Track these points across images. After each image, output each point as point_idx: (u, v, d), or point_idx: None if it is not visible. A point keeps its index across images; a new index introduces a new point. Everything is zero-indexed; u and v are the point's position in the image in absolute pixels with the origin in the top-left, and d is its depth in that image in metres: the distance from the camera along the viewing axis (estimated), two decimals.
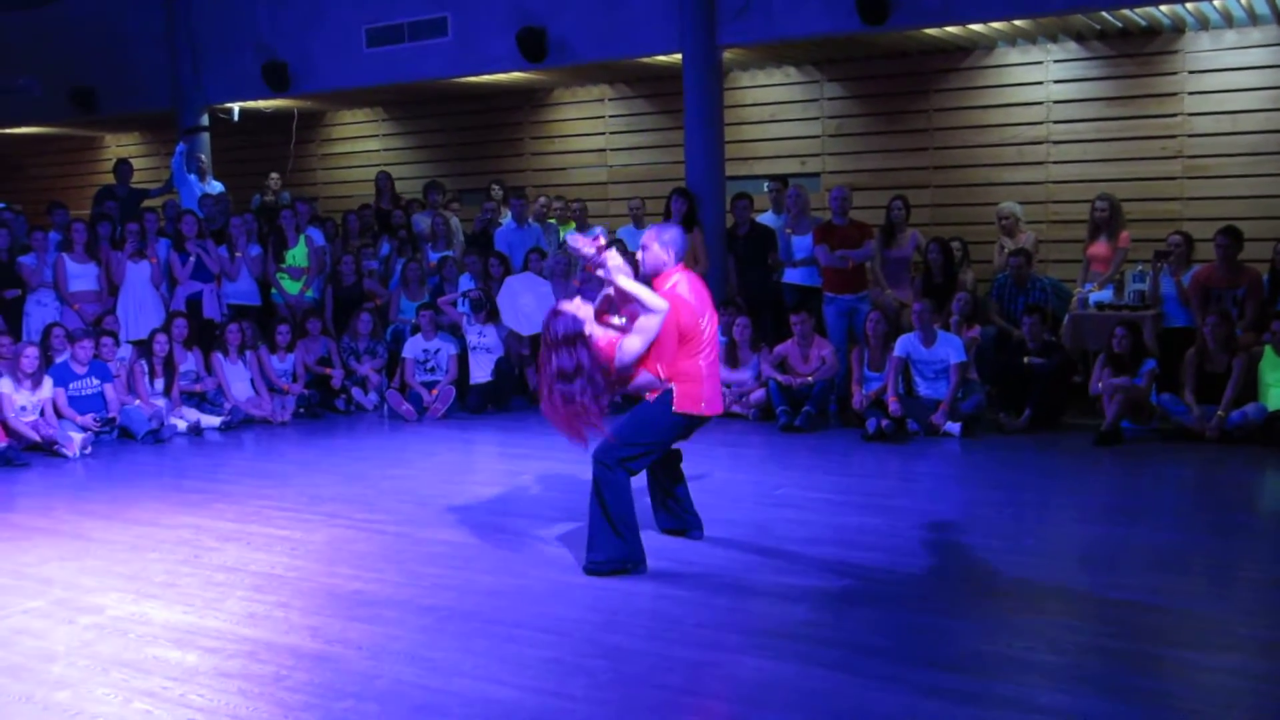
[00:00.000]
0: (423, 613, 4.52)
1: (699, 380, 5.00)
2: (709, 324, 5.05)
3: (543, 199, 11.61)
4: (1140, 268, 9.25)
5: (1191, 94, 10.23)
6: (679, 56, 10.62)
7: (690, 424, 5.06)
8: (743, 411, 9.25)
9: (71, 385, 8.80)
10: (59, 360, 8.89)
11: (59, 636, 4.39)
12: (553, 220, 11.57)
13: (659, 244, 5.07)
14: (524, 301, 10.05)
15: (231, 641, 4.27)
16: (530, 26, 10.93)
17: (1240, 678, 3.83)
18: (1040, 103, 10.82)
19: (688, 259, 9.65)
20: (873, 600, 4.58)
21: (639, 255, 5.14)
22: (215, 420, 9.29)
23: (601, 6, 10.76)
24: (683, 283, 5.04)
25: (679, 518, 5.51)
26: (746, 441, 8.46)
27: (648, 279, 5.09)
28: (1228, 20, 9.88)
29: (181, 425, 9.09)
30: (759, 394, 9.18)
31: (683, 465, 5.53)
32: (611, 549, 4.95)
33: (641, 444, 5.02)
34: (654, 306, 4.85)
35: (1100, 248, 9.43)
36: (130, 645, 4.26)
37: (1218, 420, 7.92)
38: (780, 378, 8.97)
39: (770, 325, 10.01)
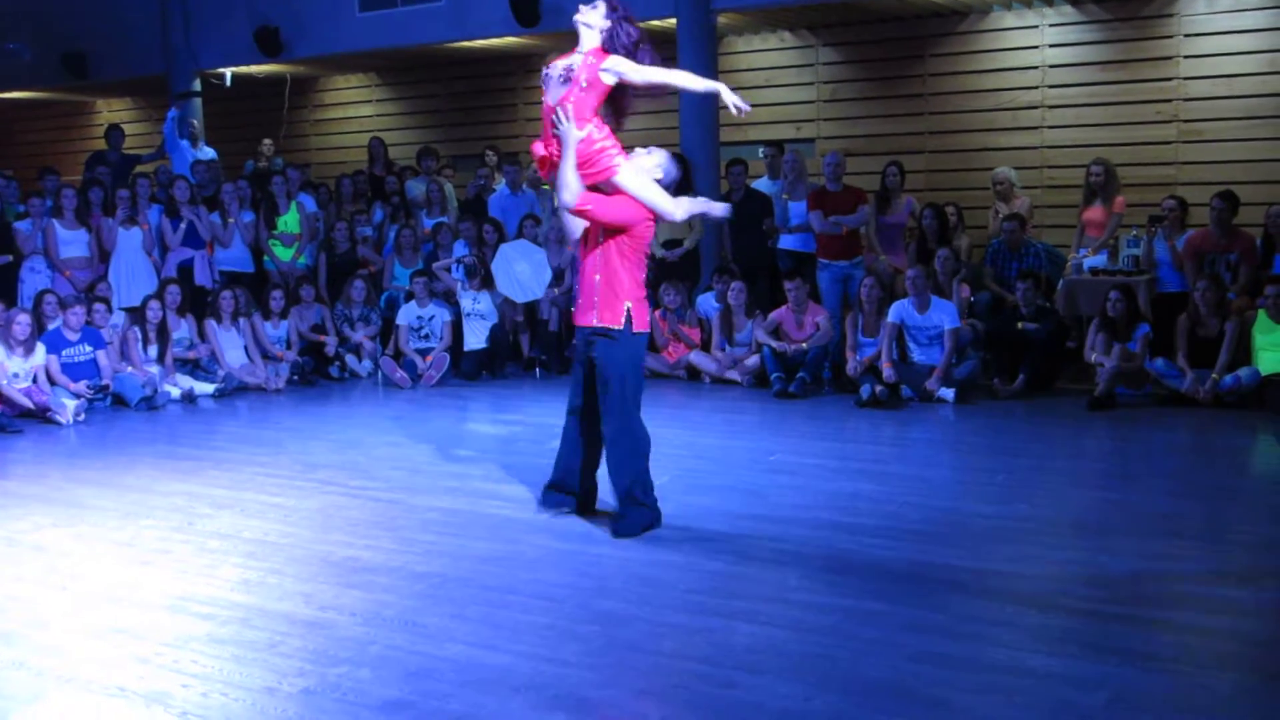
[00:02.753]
0: (416, 579, 4.51)
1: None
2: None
3: (535, 164, 11.52)
4: (1135, 232, 9.22)
5: (1187, 58, 10.16)
6: (673, 21, 10.52)
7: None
8: (737, 378, 9.23)
9: (64, 352, 8.75)
10: (51, 327, 8.84)
11: (51, 603, 4.38)
12: (547, 187, 11.48)
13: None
14: (519, 268, 10.00)
15: (225, 608, 4.25)
16: None
17: (1232, 640, 3.83)
18: (1035, 67, 10.74)
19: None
20: (865, 566, 4.57)
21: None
22: (209, 387, 9.25)
23: None
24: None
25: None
26: (741, 408, 8.45)
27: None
28: None
29: (175, 392, 9.06)
30: (754, 360, 9.16)
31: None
32: (640, 514, 5.05)
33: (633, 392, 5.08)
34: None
35: (1095, 212, 9.39)
36: (123, 612, 4.25)
37: (1211, 384, 7.91)
38: (775, 344, 8.95)
39: (765, 291, 9.98)
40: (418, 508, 5.59)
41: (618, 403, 4.96)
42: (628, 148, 5.16)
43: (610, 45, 5.01)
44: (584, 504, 5.33)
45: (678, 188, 10.12)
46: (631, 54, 4.99)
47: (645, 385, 5.22)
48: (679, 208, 5.12)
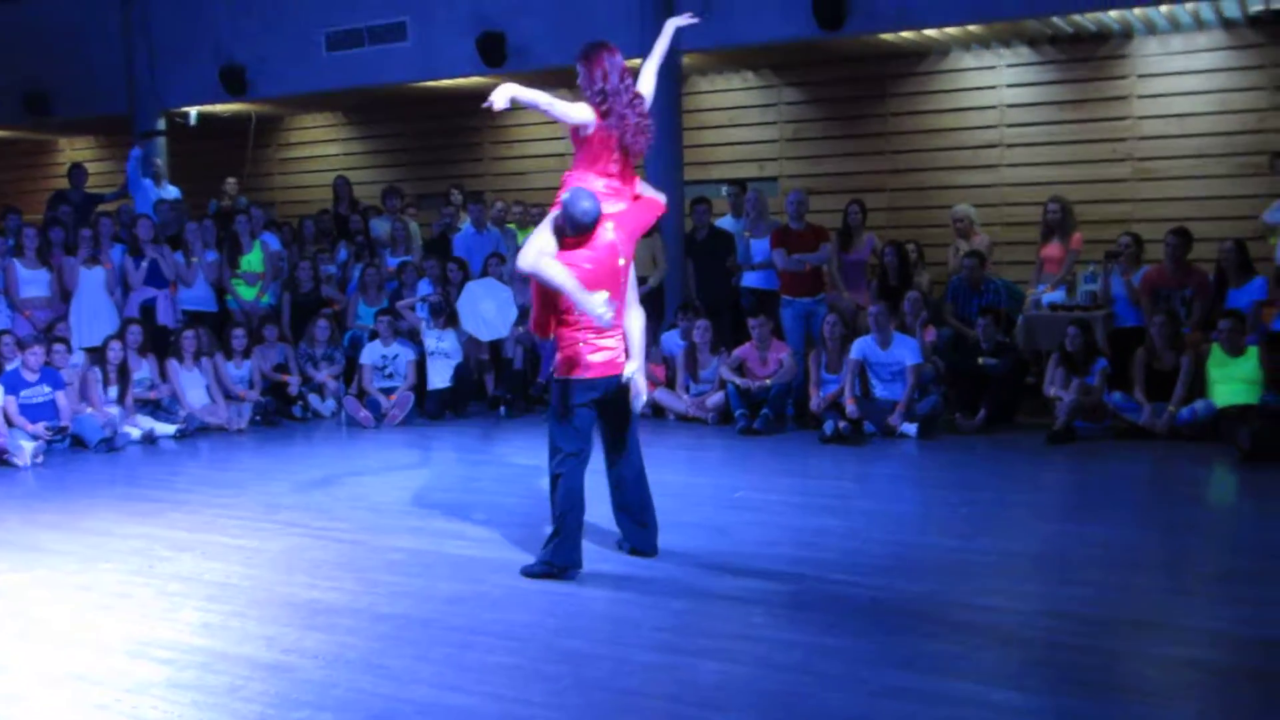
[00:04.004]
0: (380, 620, 4.48)
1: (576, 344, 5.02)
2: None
3: (501, 204, 11.57)
4: (1092, 269, 9.35)
5: (1141, 97, 10.37)
6: (639, 61, 10.60)
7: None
8: (701, 415, 9.25)
9: (23, 393, 8.65)
10: (10, 368, 8.74)
11: (10, 648, 4.31)
12: (512, 225, 11.53)
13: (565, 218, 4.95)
14: (484, 307, 10.00)
15: (185, 652, 4.20)
16: (489, 31, 10.89)
17: (1194, 669, 3.87)
18: (994, 106, 10.92)
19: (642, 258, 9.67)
20: (830, 602, 4.58)
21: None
22: (170, 428, 9.17)
23: (561, 11, 10.74)
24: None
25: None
26: (705, 445, 8.46)
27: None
28: (1175, 26, 10.02)
29: (135, 433, 8.97)
30: (717, 397, 9.19)
31: (643, 485, 5.33)
32: (553, 547, 5.02)
33: (558, 439, 5.07)
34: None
35: (1053, 249, 9.52)
36: (82, 657, 4.19)
37: (1168, 417, 8.02)
38: (738, 381, 8.99)
39: (729, 328, 10.02)
40: (381, 548, 5.56)
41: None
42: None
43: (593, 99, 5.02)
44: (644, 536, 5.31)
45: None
46: (605, 99, 4.99)
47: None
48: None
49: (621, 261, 5.03)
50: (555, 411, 5.09)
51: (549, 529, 5.07)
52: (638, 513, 5.26)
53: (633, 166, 5.15)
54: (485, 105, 4.86)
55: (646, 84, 5.28)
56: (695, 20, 5.77)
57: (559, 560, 4.99)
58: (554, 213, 5.03)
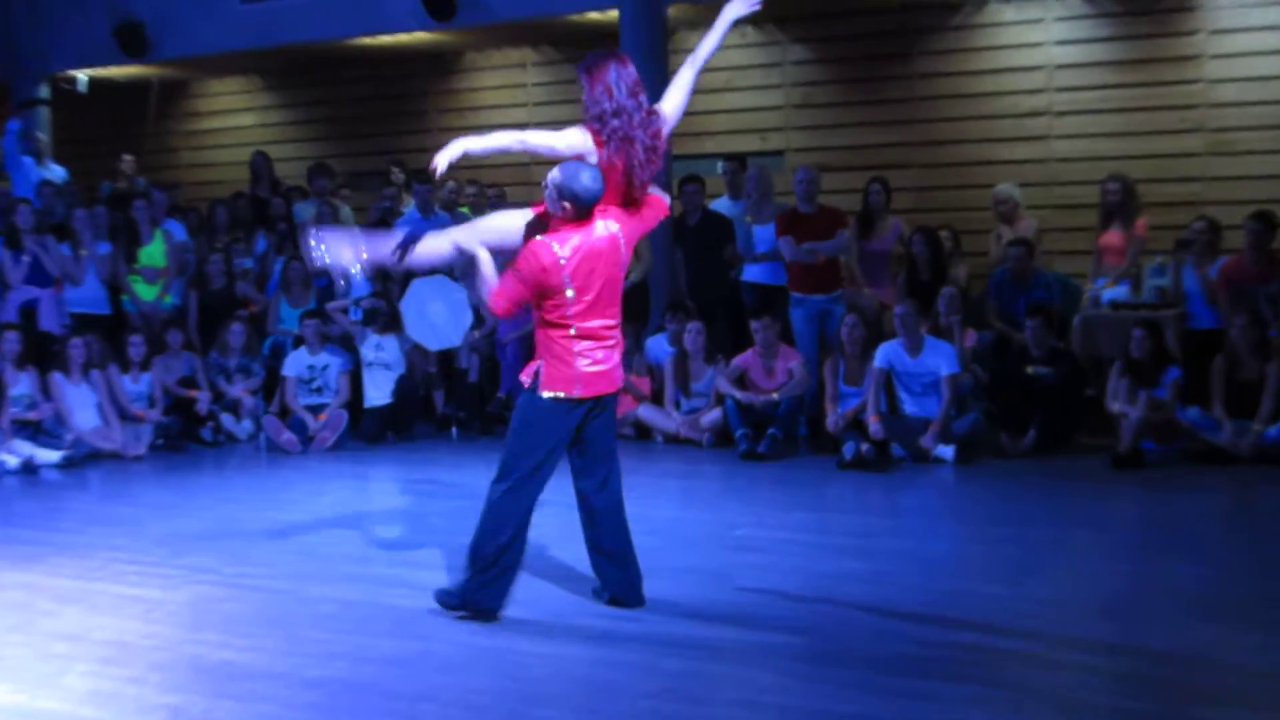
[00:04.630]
0: (307, 687, 4.42)
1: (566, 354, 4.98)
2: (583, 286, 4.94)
3: (452, 183, 11.53)
4: (1159, 260, 9.36)
5: (1214, 57, 10.40)
6: (615, 14, 10.61)
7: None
8: (694, 436, 9.22)
9: None
10: None
11: None
12: (465, 209, 11.48)
13: (554, 190, 4.90)
14: (433, 309, 9.96)
15: None
16: None
17: None
18: (1040, 68, 10.94)
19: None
20: (850, 661, 4.55)
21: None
22: (54, 455, 9.10)
23: None
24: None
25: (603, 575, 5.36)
26: (700, 473, 8.42)
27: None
28: None
29: (12, 461, 8.89)
30: (714, 415, 9.16)
31: (623, 514, 5.32)
32: (466, 586, 5.08)
33: (512, 458, 5.05)
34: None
35: (1113, 237, 9.54)
36: None
37: (1253, 437, 8.02)
38: (739, 395, 8.96)
39: (727, 332, 10.01)
40: (309, 599, 5.51)
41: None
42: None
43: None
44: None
45: None
46: (606, 122, 4.94)
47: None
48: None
49: (623, 252, 5.01)
50: (519, 427, 5.06)
51: (477, 560, 5.04)
52: (619, 554, 5.22)
53: (637, 201, 5.11)
54: (430, 168, 4.89)
55: (675, 98, 5.17)
56: (757, 7, 5.40)
57: (487, 601, 5.03)
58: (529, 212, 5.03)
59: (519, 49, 12.73)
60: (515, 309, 5.03)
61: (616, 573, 5.24)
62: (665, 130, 5.08)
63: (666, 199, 5.31)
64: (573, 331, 4.96)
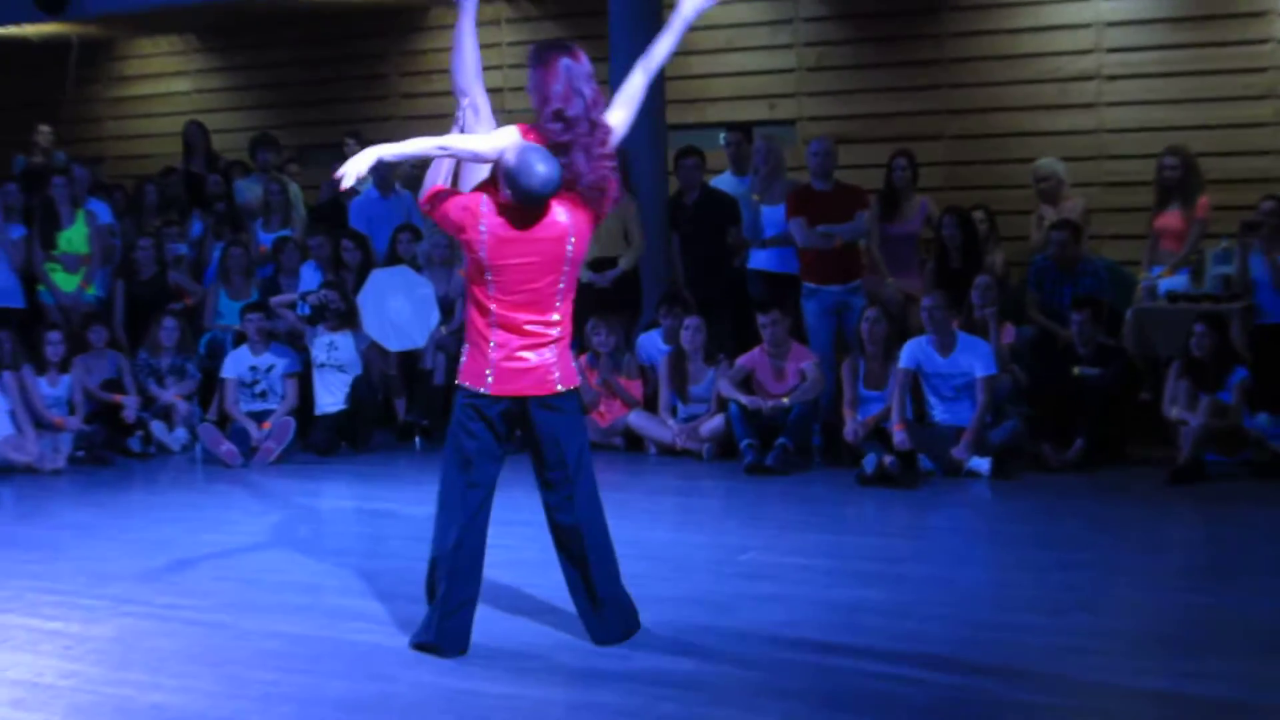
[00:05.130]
0: None
1: (482, 344, 5.00)
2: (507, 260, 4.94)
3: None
4: (1224, 245, 9.37)
5: None
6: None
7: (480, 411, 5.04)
8: (693, 447, 9.22)
9: None
10: None
11: None
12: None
13: (506, 184, 4.90)
14: (393, 304, 9.95)
15: None
16: None
17: None
18: (1088, 25, 10.95)
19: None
20: (873, 703, 4.54)
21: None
22: None
23: None
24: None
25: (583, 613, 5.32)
26: (700, 489, 8.42)
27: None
28: None
29: None
30: (715, 423, 9.16)
31: (607, 522, 5.33)
32: (421, 627, 5.14)
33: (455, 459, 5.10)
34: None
35: (1171, 218, 9.55)
36: None
37: None
38: (744, 400, 8.96)
39: (730, 328, 10.01)
40: (251, 634, 5.49)
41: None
42: None
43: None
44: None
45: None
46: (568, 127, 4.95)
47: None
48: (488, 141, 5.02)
49: (570, 249, 4.98)
50: (453, 433, 5.13)
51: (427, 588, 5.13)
52: (582, 582, 5.19)
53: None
54: (335, 178, 4.88)
55: (622, 112, 5.14)
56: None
57: (444, 640, 5.06)
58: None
59: (492, 4, 12.69)
60: (441, 218, 5.04)
61: (586, 607, 5.23)
62: (614, 142, 5.09)
63: (614, 177, 5.25)
64: (493, 320, 4.97)
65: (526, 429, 5.13)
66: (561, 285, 5.01)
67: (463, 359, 5.09)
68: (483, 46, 12.85)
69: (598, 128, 4.98)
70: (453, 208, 4.98)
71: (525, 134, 4.97)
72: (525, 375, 5.01)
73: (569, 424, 5.13)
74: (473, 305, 5.05)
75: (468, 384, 5.03)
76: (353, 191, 11.43)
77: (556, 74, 4.94)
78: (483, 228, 4.89)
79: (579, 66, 4.96)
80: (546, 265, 4.96)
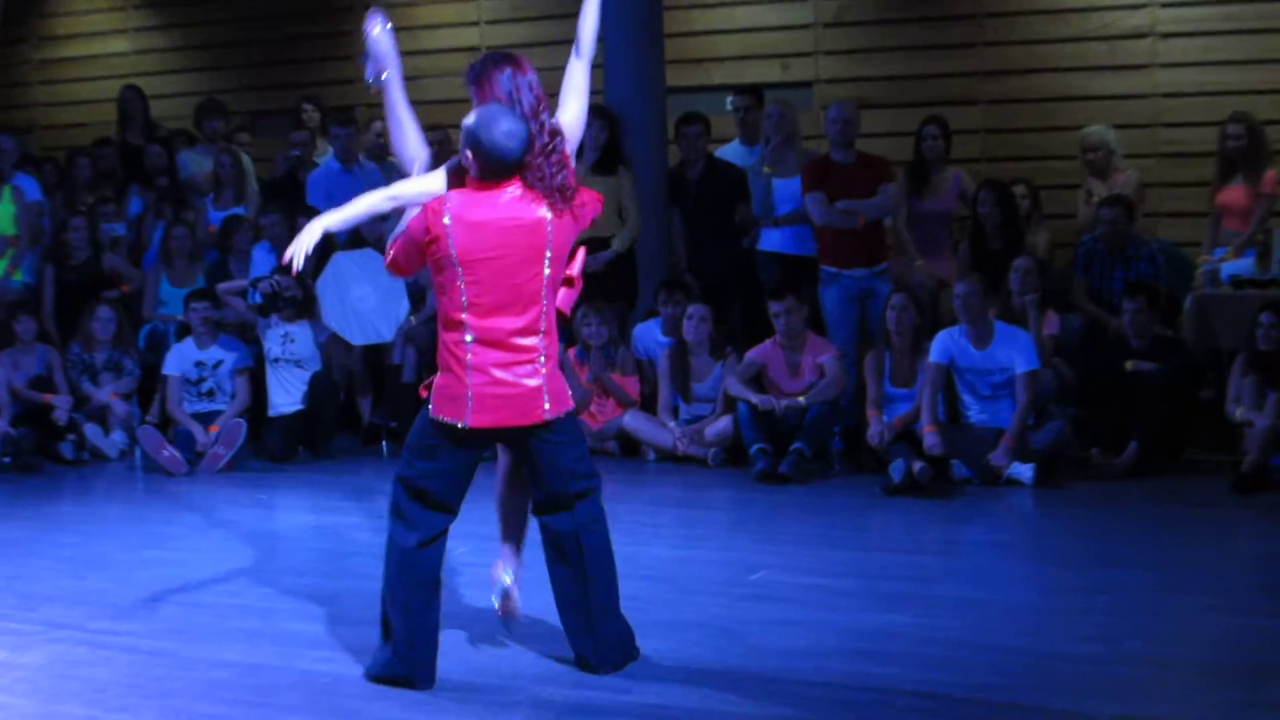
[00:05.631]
0: None
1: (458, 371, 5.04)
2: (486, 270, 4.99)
3: (377, 124, 11.51)
4: None
5: None
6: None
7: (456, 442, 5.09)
8: (697, 453, 9.22)
9: None
10: None
11: None
12: (392, 159, 11.46)
13: (463, 140, 5.00)
14: (357, 293, 9.93)
15: None
16: None
17: None
18: None
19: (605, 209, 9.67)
20: None
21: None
22: None
23: None
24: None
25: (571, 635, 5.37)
26: (705, 500, 8.42)
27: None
28: None
29: None
30: (722, 425, 9.17)
31: (599, 540, 5.31)
32: (381, 652, 5.16)
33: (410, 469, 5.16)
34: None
35: (1235, 193, 9.56)
36: None
37: None
38: (755, 399, 8.95)
39: (739, 317, 10.02)
40: (197, 662, 5.49)
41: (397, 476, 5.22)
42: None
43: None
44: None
45: (605, 153, 10.23)
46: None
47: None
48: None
49: (549, 254, 5.00)
50: (410, 445, 5.16)
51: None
52: (580, 599, 5.20)
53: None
54: (284, 262, 5.06)
55: (573, 106, 5.32)
56: None
57: (400, 669, 5.08)
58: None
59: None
60: (408, 270, 5.18)
61: (576, 622, 5.23)
62: (571, 150, 5.18)
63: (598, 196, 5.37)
64: (468, 336, 4.97)
65: (518, 453, 5.18)
66: (544, 283, 5.02)
67: (435, 383, 5.09)
68: (456, 1, 12.80)
69: (544, 128, 5.06)
70: (410, 226, 5.04)
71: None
72: (510, 403, 5.01)
73: (569, 452, 5.14)
74: (443, 327, 5.06)
75: (443, 417, 5.03)
76: (311, 164, 11.44)
77: (494, 87, 5.09)
78: (447, 220, 4.92)
79: (521, 76, 5.10)
80: (524, 257, 4.97)
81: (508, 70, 5.09)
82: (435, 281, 5.06)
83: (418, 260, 5.05)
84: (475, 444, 5.11)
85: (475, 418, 4.98)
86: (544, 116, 5.08)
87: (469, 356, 4.97)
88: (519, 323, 4.99)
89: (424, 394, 5.13)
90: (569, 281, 5.22)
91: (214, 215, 11.10)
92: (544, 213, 4.99)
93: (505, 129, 4.91)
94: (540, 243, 4.98)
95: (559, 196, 5.03)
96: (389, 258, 5.15)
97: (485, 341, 4.97)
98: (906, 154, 10.06)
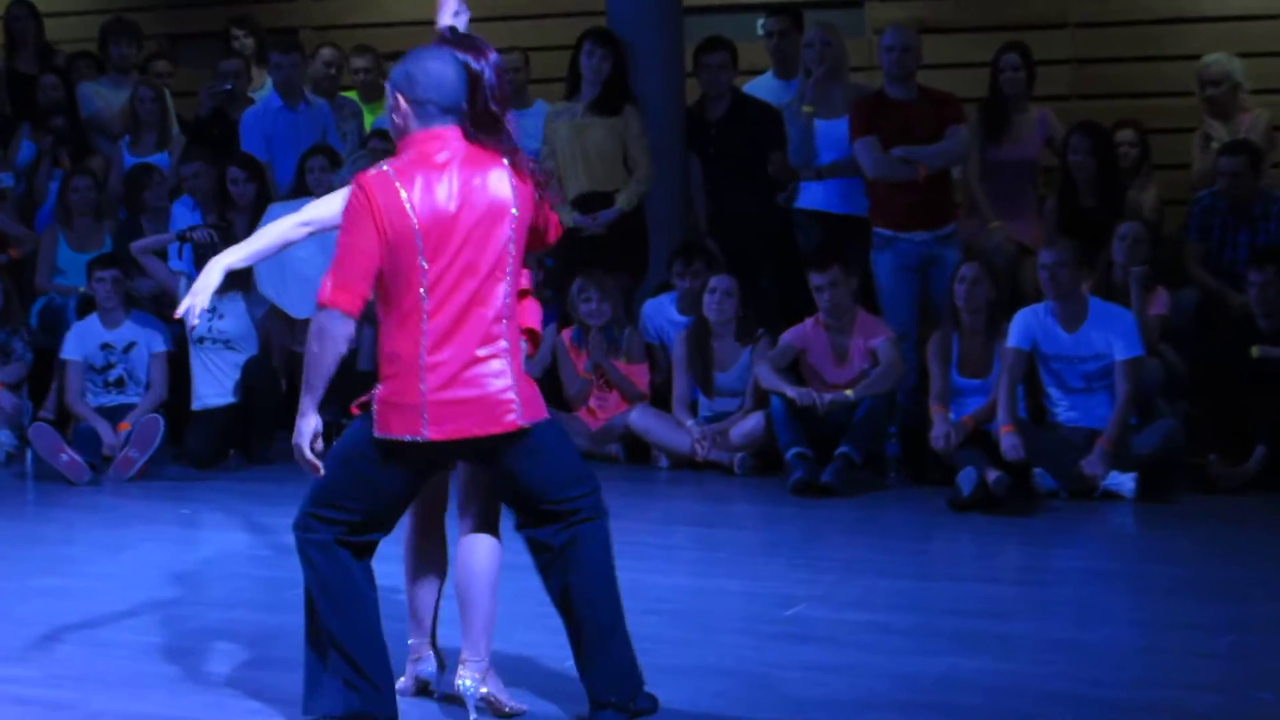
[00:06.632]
0: None
1: (411, 375, 5.01)
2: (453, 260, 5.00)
3: (328, 51, 11.51)
4: None
5: None
6: None
7: (406, 460, 5.08)
8: (720, 458, 9.23)
9: None
10: None
11: None
12: (351, 94, 11.48)
13: (392, 87, 5.07)
14: (300, 254, 9.91)
15: None
16: None
17: None
18: None
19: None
20: None
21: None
22: None
23: None
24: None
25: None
26: (730, 516, 8.44)
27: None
28: None
29: None
30: (752, 424, 9.17)
31: (601, 561, 5.36)
32: (330, 696, 5.08)
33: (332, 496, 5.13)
34: None
35: None
36: None
37: None
38: (791, 392, 8.95)
39: (773, 291, 10.02)
40: (104, 715, 5.51)
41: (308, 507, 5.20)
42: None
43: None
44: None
45: (608, 88, 10.20)
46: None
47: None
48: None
49: (515, 213, 5.02)
50: (337, 456, 5.13)
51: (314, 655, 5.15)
52: (573, 633, 5.21)
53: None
54: (177, 317, 5.29)
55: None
56: None
57: (380, 707, 5.05)
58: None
59: None
60: (363, 294, 4.98)
61: (595, 649, 5.23)
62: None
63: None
64: (423, 328, 4.94)
65: (489, 466, 5.15)
66: (510, 255, 5.02)
67: (375, 400, 5.04)
68: None
69: (490, 67, 5.16)
70: (351, 211, 4.98)
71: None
72: (472, 408, 4.99)
73: (553, 464, 5.14)
74: (394, 327, 5.02)
75: (392, 435, 4.97)
76: (245, 101, 11.43)
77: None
78: (397, 184, 4.91)
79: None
80: (488, 221, 4.98)
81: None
82: (389, 270, 4.97)
83: (379, 256, 4.93)
84: (424, 464, 5.09)
85: (433, 429, 4.95)
86: (491, 57, 5.14)
87: (426, 356, 4.94)
88: (485, 311, 4.98)
89: (356, 411, 5.10)
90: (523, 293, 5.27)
91: (131, 162, 11.07)
92: (500, 167, 5.03)
93: (441, 62, 4.98)
94: (504, 202, 5.00)
95: (512, 152, 5.10)
96: (334, 296, 4.93)
97: (443, 332, 4.94)
98: (979, 90, 10.07)
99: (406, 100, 4.97)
